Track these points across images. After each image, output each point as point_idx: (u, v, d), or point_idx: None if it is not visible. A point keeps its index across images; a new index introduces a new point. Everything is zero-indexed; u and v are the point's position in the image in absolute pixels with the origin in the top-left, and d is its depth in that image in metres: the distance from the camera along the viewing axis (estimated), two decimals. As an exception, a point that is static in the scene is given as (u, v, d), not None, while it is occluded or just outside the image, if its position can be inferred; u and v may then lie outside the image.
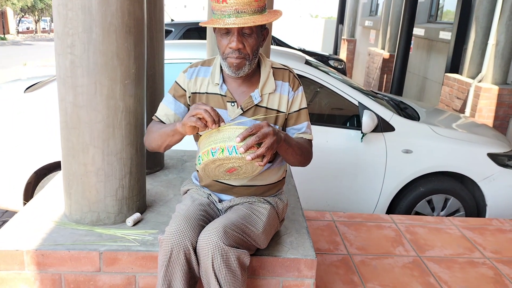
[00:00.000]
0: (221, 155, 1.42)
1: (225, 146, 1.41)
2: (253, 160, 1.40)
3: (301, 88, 1.72)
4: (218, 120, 1.43)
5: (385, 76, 9.19)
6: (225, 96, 1.67)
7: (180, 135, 1.55)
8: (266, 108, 1.67)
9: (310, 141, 1.75)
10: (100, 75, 1.75)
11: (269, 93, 1.67)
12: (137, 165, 1.94)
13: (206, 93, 1.69)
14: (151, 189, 2.29)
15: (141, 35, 1.86)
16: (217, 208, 1.75)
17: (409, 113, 3.93)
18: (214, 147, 1.43)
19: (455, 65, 6.87)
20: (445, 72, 6.93)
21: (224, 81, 1.68)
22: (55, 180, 2.32)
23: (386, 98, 4.32)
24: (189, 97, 1.72)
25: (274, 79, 1.68)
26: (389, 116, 3.51)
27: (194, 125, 1.44)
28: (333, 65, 8.14)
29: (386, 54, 9.17)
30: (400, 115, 3.63)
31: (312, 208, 3.34)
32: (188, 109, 1.72)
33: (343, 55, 12.75)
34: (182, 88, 1.72)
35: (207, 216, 1.64)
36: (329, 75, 3.66)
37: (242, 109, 1.65)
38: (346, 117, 3.71)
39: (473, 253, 2.63)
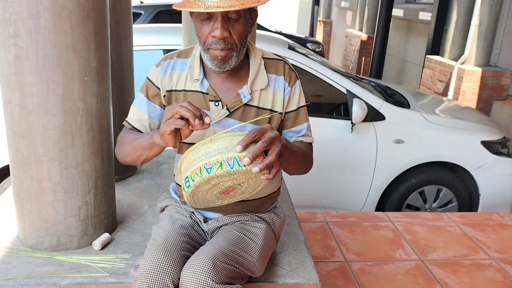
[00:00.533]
0: (220, 170, 1.10)
1: (223, 158, 1.10)
2: (260, 172, 1.11)
3: (298, 82, 1.44)
4: (200, 116, 1.13)
5: (363, 58, 8.97)
6: (207, 94, 1.37)
7: (159, 148, 1.25)
8: (258, 107, 1.38)
9: (311, 144, 1.48)
10: (52, 71, 1.42)
11: (261, 90, 1.38)
12: (104, 178, 1.63)
13: (184, 90, 1.38)
14: (122, 200, 1.98)
15: (102, 20, 1.53)
16: (202, 230, 1.46)
17: (398, 100, 3.71)
18: (208, 162, 1.11)
19: (435, 47, 6.70)
20: (426, 54, 6.75)
21: (205, 75, 1.38)
22: (5, 196, 1.98)
23: (372, 83, 4.09)
24: (164, 96, 1.41)
25: (266, 72, 1.39)
26: (379, 104, 3.27)
27: (173, 128, 1.14)
28: (311, 48, 7.86)
29: (364, 36, 8.94)
30: (389, 102, 3.40)
31: (300, 204, 3.09)
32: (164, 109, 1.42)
33: (319, 37, 12.48)
34: (155, 86, 1.42)
35: (191, 243, 1.36)
36: (314, 61, 3.39)
37: (228, 109, 1.36)
38: (333, 106, 3.46)
39: (477, 253, 2.44)
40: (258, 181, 1.20)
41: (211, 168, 1.10)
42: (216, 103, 1.35)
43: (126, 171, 2.21)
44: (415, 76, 7.48)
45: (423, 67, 6.70)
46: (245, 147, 1.10)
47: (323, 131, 3.21)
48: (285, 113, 1.41)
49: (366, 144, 3.21)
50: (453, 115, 3.67)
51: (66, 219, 1.57)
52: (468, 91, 5.65)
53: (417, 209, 3.34)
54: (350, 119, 3.10)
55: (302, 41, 7.99)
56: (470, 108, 4.19)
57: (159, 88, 1.41)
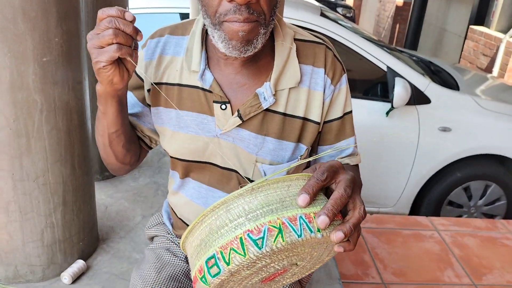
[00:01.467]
0: (280, 242, 0.60)
1: (282, 220, 0.61)
2: (338, 242, 0.64)
3: (345, 77, 0.97)
4: (135, 32, 0.72)
5: (397, 26, 8.27)
6: (210, 92, 0.92)
7: (107, 103, 0.84)
8: (284, 115, 0.93)
9: (357, 166, 1.04)
10: (-5, 48, 1.01)
11: (290, 88, 0.92)
12: (77, 191, 1.23)
13: (179, 85, 0.94)
14: (110, 207, 1.59)
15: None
16: None
17: (445, 79, 3.19)
18: (254, 227, 0.61)
19: (481, 16, 6.01)
20: (469, 24, 6.08)
21: (208, 64, 0.93)
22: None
23: (414, 58, 3.55)
24: (149, 90, 0.97)
25: (299, 63, 0.93)
26: (424, 85, 2.77)
27: (108, 60, 0.73)
28: (341, 13, 7.23)
29: (399, 1, 8.21)
30: (435, 82, 2.90)
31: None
32: (150, 110, 0.99)
33: (350, 1, 11.70)
34: (137, 75, 0.98)
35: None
36: (351, 31, 2.88)
37: (240, 116, 0.91)
38: (369, 85, 2.97)
39: (544, 277, 2.00)
40: (324, 253, 0.72)
41: (262, 238, 0.60)
42: (223, 106, 0.91)
43: (119, 166, 1.81)
44: (454, 48, 6.81)
45: (465, 38, 6.05)
46: (312, 199, 0.64)
47: (356, 114, 2.74)
48: (325, 122, 0.97)
49: (406, 131, 2.76)
50: (498, 97, 3.15)
51: (24, 245, 1.19)
52: (517, 68, 5.05)
53: (459, 206, 2.92)
54: (390, 102, 2.62)
55: (332, 5, 7.36)
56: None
57: (142, 79, 0.97)
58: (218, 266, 0.60)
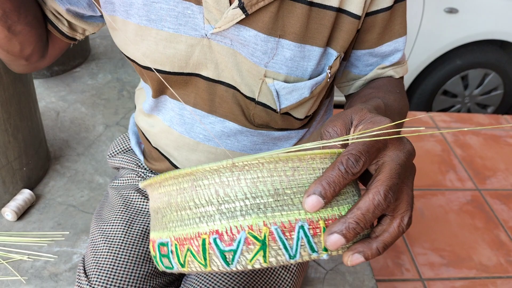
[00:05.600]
0: (260, 263, 0.36)
1: (270, 226, 0.36)
2: (352, 265, 0.39)
3: None
4: None
5: None
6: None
7: None
8: (311, 4, 0.59)
9: (402, 79, 0.74)
10: None
11: None
12: (7, 103, 0.90)
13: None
14: (62, 113, 1.27)
15: None
16: None
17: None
18: (226, 228, 0.37)
19: None
20: None
21: None
22: None
23: None
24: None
25: None
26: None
27: None
28: None
29: None
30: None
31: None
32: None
33: None
34: None
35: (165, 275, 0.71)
36: None
37: (243, 7, 0.56)
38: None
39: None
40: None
41: (235, 251, 0.37)
42: (216, -9, 0.57)
43: (72, 59, 1.45)
44: None
45: None
46: (328, 203, 0.37)
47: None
48: (367, 14, 0.64)
49: (408, 11, 2.44)
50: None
51: None
52: None
53: (454, 96, 2.74)
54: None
55: None
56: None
57: None
58: (170, 261, 0.40)
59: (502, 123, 2.22)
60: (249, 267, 0.37)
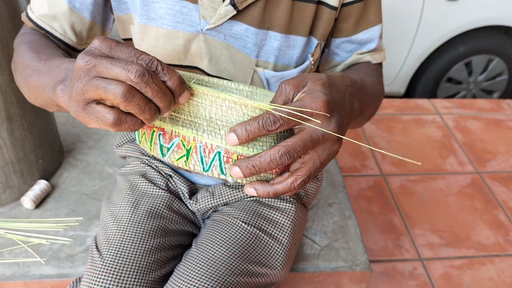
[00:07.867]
0: (183, 165, 0.50)
1: (197, 142, 0.48)
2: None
3: None
4: (174, 92, 0.44)
5: None
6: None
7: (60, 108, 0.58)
8: None
9: (380, 65, 0.80)
10: None
11: None
12: (23, 100, 0.99)
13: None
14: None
15: None
16: (190, 212, 0.87)
17: None
18: (170, 133, 0.49)
19: None
20: None
21: None
22: None
23: None
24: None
25: None
26: None
27: (95, 123, 0.44)
28: None
29: None
30: None
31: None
32: (105, 4, 0.70)
33: None
34: None
35: (168, 244, 0.78)
36: None
37: (234, 4, 0.64)
38: None
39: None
40: None
41: (168, 148, 0.50)
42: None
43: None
44: None
45: None
46: (244, 144, 0.47)
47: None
48: (343, 5, 0.70)
49: (410, 1, 2.48)
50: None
51: (-32, 170, 0.98)
52: None
53: (459, 83, 2.76)
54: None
55: None
56: None
57: None
58: (135, 136, 0.56)
59: (504, 108, 2.25)
60: (175, 164, 0.50)
